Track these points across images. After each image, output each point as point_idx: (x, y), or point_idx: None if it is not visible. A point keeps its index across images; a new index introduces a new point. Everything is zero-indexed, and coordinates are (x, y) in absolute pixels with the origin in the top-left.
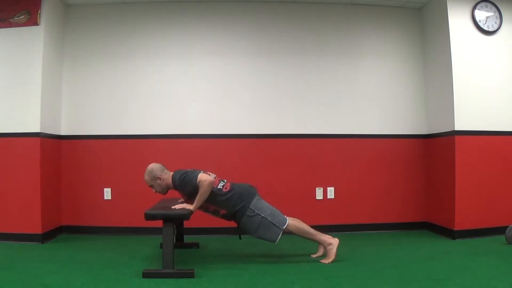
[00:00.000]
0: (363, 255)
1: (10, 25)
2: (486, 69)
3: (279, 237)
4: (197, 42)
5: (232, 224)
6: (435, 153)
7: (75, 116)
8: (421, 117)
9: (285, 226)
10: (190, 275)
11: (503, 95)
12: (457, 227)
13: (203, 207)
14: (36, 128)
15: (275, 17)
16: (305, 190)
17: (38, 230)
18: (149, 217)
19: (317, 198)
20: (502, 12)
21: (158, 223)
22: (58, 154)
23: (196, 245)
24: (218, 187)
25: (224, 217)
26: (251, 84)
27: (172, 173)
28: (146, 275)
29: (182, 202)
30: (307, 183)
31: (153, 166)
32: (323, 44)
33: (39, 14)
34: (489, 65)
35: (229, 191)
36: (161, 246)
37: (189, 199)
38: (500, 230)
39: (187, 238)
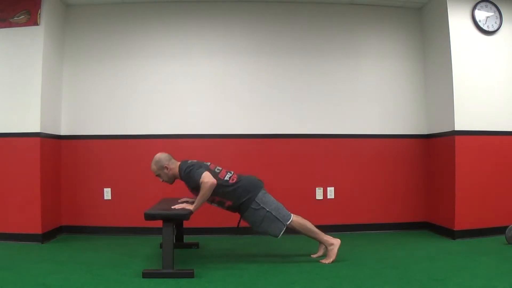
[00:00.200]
0: (363, 255)
1: (10, 25)
2: (486, 69)
3: (282, 232)
4: (197, 42)
5: (232, 224)
6: (435, 153)
7: (75, 116)
8: (421, 117)
9: (289, 222)
10: (190, 275)
11: (503, 95)
12: (457, 227)
13: (209, 199)
14: (36, 128)
15: (275, 17)
16: (305, 190)
17: (38, 230)
18: (149, 217)
19: (317, 198)
20: (502, 12)
21: (158, 223)
22: (58, 154)
23: (196, 245)
24: (225, 178)
25: (230, 209)
26: (251, 84)
27: (179, 163)
28: (146, 275)
29: (182, 202)
30: (307, 183)
31: (160, 156)
32: (323, 44)
33: (39, 14)
34: (489, 65)
35: (236, 182)
36: (161, 246)
37: (194, 191)
38: (500, 230)
39: (187, 238)
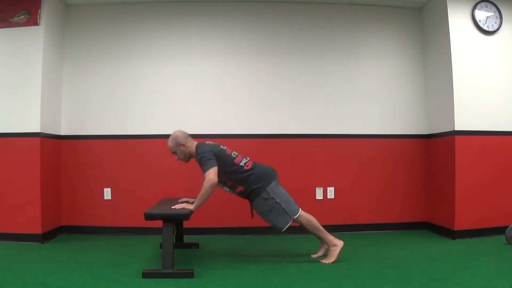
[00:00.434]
0: (363, 255)
1: (10, 25)
2: (486, 69)
3: (288, 225)
4: (197, 42)
5: (232, 224)
6: (435, 153)
7: (75, 116)
8: (421, 117)
9: (296, 216)
10: (190, 275)
11: (503, 95)
12: (457, 227)
13: (221, 181)
14: (36, 128)
15: (275, 17)
16: (305, 190)
17: (38, 230)
18: (149, 217)
19: (317, 198)
20: (502, 12)
21: (158, 223)
22: (58, 154)
23: (196, 245)
24: (241, 164)
25: (240, 194)
26: (251, 84)
27: (196, 143)
28: (146, 275)
29: (182, 202)
30: (307, 183)
31: (178, 133)
32: (323, 44)
33: (39, 14)
34: (489, 65)
35: (250, 169)
36: (161, 246)
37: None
38: (500, 230)
39: (187, 238)
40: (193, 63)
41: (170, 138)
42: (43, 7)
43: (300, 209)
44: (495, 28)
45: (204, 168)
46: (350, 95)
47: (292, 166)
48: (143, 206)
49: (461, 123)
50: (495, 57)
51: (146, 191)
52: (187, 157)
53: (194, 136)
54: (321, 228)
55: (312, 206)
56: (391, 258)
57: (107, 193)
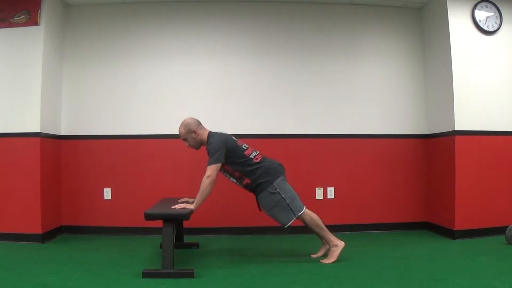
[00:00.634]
0: (363, 255)
1: (10, 25)
2: (486, 69)
3: (291, 222)
4: (197, 42)
5: (232, 224)
6: (435, 153)
7: (75, 116)
8: (421, 117)
9: (300, 213)
10: (190, 275)
11: (503, 95)
12: (457, 227)
13: (229, 172)
14: (36, 128)
15: (275, 17)
16: (305, 190)
17: (38, 230)
18: (149, 217)
19: (317, 198)
20: (502, 12)
21: (158, 223)
22: (58, 154)
23: (196, 245)
24: (250, 156)
25: (247, 187)
26: (251, 84)
27: (208, 131)
28: (146, 275)
29: (182, 202)
30: (307, 183)
31: (190, 120)
32: (323, 44)
33: (39, 14)
34: (489, 65)
35: (259, 162)
36: (161, 246)
37: None
38: (500, 230)
39: (187, 238)
40: (193, 63)
41: (181, 124)
42: (43, 7)
43: (305, 207)
44: (495, 28)
45: (210, 160)
46: (350, 95)
47: (292, 166)
48: (143, 206)
49: (461, 123)
50: (495, 57)
51: (146, 191)
52: (198, 144)
53: None
54: (324, 227)
55: (312, 206)
56: (391, 258)
57: (107, 193)
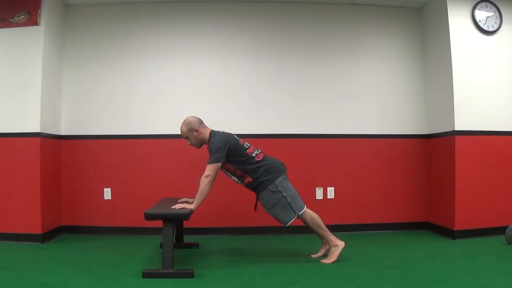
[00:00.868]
0: (363, 255)
1: (10, 25)
2: (486, 69)
3: (291, 221)
4: (197, 42)
5: (232, 224)
6: (435, 153)
7: (75, 116)
8: (421, 117)
9: (301, 212)
10: (190, 275)
11: (503, 95)
12: (457, 227)
13: (230, 171)
14: (36, 128)
15: (275, 17)
16: (305, 190)
17: (38, 230)
18: (149, 217)
19: (317, 198)
20: (502, 12)
21: (158, 223)
22: (58, 154)
23: (196, 245)
24: (252, 155)
25: (248, 185)
26: (251, 84)
27: (210, 130)
28: (146, 275)
29: (182, 202)
30: (307, 183)
31: (191, 119)
32: (323, 44)
33: (39, 14)
34: (489, 65)
35: (260, 161)
36: (161, 246)
37: None
38: (500, 230)
39: (187, 238)
40: (193, 63)
41: (183, 123)
42: (43, 7)
43: (305, 206)
44: (495, 28)
45: (210, 159)
46: (350, 95)
47: (292, 166)
48: (143, 206)
49: (461, 123)
50: (495, 57)
51: (146, 191)
52: (200, 143)
53: None
54: (325, 227)
55: (312, 206)
56: (391, 258)
57: (107, 193)
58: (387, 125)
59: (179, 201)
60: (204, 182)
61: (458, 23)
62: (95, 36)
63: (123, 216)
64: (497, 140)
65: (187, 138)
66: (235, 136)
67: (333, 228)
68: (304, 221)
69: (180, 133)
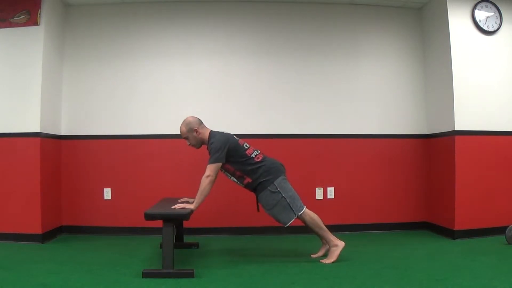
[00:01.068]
0: (363, 255)
1: (10, 25)
2: (486, 69)
3: (291, 222)
4: (197, 42)
5: (232, 224)
6: (435, 153)
7: (75, 116)
8: (421, 117)
9: (301, 212)
10: (190, 275)
11: (503, 95)
12: (457, 227)
13: (230, 171)
14: (36, 128)
15: (275, 17)
16: (305, 190)
17: (38, 230)
18: (149, 217)
19: (317, 198)
20: (502, 12)
21: (158, 223)
22: (58, 154)
23: (196, 245)
24: (252, 155)
25: (248, 186)
26: (251, 84)
27: (210, 130)
28: (146, 275)
29: (182, 202)
30: (307, 183)
31: (191, 119)
32: (323, 44)
33: (39, 14)
34: (489, 65)
35: (260, 161)
36: (161, 246)
37: None
38: (500, 230)
39: (187, 238)
40: (193, 63)
41: (183, 123)
42: (43, 7)
43: (305, 206)
44: (495, 28)
45: (210, 159)
46: (350, 95)
47: (292, 166)
48: (143, 206)
49: (461, 123)
50: (495, 57)
51: (146, 191)
52: (199, 143)
53: None
54: (324, 227)
55: (312, 206)
56: (391, 258)
57: (107, 193)
58: (387, 125)
59: (179, 201)
60: (205, 182)
61: (458, 23)
62: (95, 36)
63: (123, 216)
64: (497, 140)
65: (186, 138)
66: (234, 136)
67: (333, 228)
68: (303, 221)
69: (180, 133)
